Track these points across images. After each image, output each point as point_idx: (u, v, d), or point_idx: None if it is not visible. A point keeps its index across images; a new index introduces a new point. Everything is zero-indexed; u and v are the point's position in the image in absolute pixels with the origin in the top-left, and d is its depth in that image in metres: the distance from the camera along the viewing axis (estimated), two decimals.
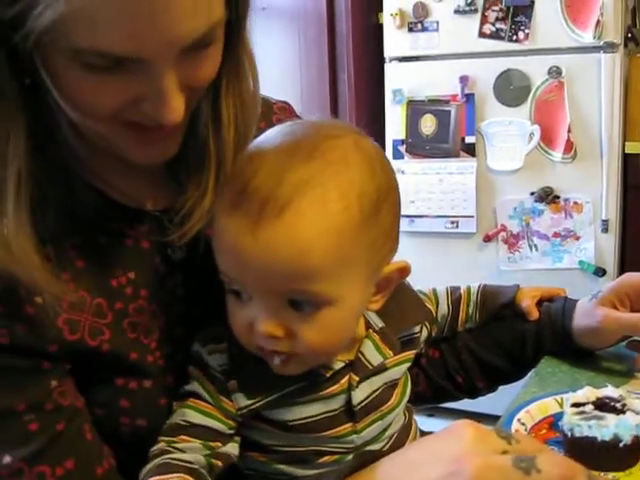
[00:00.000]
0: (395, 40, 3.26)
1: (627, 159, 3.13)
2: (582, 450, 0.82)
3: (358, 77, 3.48)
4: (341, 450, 0.89)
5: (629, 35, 3.17)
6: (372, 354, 0.91)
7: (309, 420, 0.87)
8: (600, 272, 3.05)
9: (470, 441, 0.71)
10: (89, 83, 0.72)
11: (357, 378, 0.88)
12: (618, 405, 0.85)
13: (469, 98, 3.15)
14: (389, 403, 0.93)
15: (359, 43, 3.47)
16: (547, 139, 3.05)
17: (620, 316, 1.08)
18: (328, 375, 0.87)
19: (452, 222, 3.23)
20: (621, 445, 0.81)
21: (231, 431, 0.87)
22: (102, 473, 0.83)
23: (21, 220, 0.73)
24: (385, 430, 0.93)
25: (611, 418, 0.82)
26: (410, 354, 0.98)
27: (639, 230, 3.17)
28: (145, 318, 0.88)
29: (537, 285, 1.20)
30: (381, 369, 0.92)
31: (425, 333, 1.04)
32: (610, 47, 2.93)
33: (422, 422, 1.03)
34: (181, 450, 0.82)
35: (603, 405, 0.86)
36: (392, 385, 0.95)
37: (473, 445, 0.71)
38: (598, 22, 2.89)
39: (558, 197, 3.07)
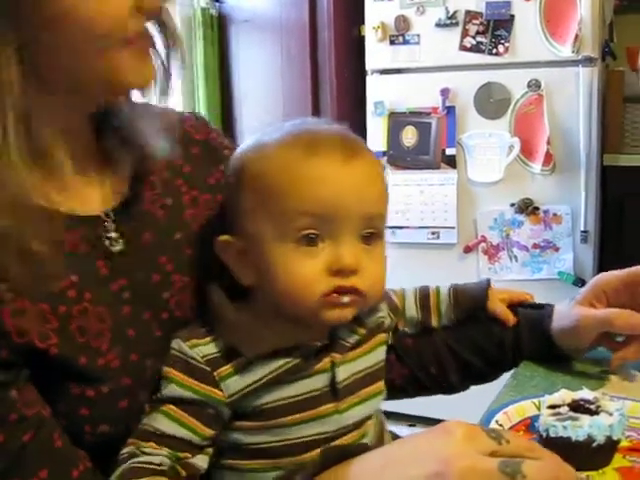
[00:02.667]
0: (377, 53, 3.29)
1: (605, 171, 3.18)
2: (557, 450, 0.83)
3: (340, 89, 3.50)
4: (324, 436, 0.90)
5: (606, 49, 3.22)
6: (346, 334, 0.95)
7: (295, 399, 0.89)
8: (579, 283, 3.07)
9: (459, 441, 0.71)
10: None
11: (339, 356, 0.93)
12: (592, 407, 0.87)
13: (450, 110, 3.18)
14: (371, 388, 0.96)
15: (341, 55, 3.49)
16: (527, 151, 3.09)
17: (596, 312, 1.10)
18: (314, 348, 0.91)
19: (433, 233, 3.25)
20: (594, 445, 0.82)
21: (204, 442, 0.87)
22: (78, 476, 0.82)
23: None
24: (365, 420, 0.95)
25: (585, 419, 0.84)
26: (381, 338, 1.02)
27: (618, 241, 3.20)
28: (92, 321, 0.86)
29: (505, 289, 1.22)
30: (360, 354, 0.96)
31: (389, 320, 1.07)
32: (588, 61, 2.97)
33: (404, 432, 1.04)
34: (148, 454, 0.83)
35: (578, 407, 0.88)
36: (373, 373, 0.98)
37: (461, 445, 0.70)
38: (576, 36, 2.93)
39: (538, 208, 3.10)
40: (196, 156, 1.06)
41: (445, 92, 3.16)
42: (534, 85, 3.04)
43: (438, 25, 3.16)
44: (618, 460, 0.86)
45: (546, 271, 3.14)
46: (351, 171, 0.87)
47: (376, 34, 3.26)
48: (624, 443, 0.89)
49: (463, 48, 3.14)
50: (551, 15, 3.00)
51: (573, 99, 3.00)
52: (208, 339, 0.89)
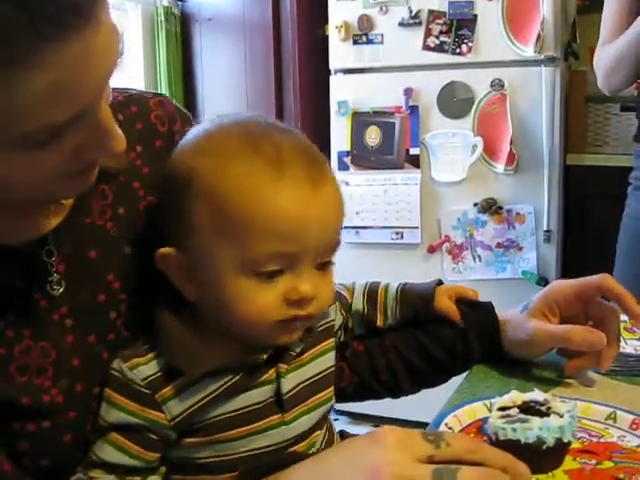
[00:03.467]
0: (340, 52, 3.28)
1: (568, 170, 3.19)
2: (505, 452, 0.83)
3: (303, 89, 3.49)
4: (270, 449, 0.89)
5: (569, 49, 3.24)
6: (294, 344, 0.92)
7: (239, 412, 0.87)
8: (543, 282, 3.08)
9: (391, 449, 0.69)
10: (28, 161, 0.68)
11: (285, 367, 0.91)
12: (543, 408, 0.86)
13: (413, 110, 3.18)
14: (319, 395, 0.95)
15: (305, 55, 3.48)
16: (490, 151, 3.09)
17: (552, 329, 1.07)
18: (260, 363, 0.89)
19: (397, 233, 3.25)
20: (544, 447, 0.81)
21: (152, 464, 0.86)
22: None
23: None
24: (313, 430, 0.94)
25: (535, 421, 0.83)
26: (329, 342, 1.00)
27: (581, 240, 3.22)
28: (34, 358, 0.82)
29: (455, 286, 1.20)
30: (305, 361, 0.94)
31: (340, 319, 1.06)
32: (551, 61, 2.99)
33: None
34: (97, 478, 0.83)
35: (528, 409, 0.86)
36: (321, 380, 0.96)
37: (392, 453, 0.68)
38: (539, 36, 2.94)
39: (501, 208, 3.11)
40: (158, 152, 0.97)
41: (408, 92, 3.15)
42: (497, 85, 3.05)
43: (401, 24, 3.15)
44: (568, 462, 0.85)
45: (510, 270, 3.14)
46: (318, 202, 0.83)
47: (339, 33, 3.25)
48: (575, 445, 0.88)
49: (426, 48, 3.14)
50: (514, 15, 3.00)
51: (536, 99, 3.01)
52: (149, 356, 0.86)
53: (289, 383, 0.91)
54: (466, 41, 3.08)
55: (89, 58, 0.63)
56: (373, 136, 3.24)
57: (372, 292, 1.15)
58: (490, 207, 3.11)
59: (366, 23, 3.20)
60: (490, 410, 0.92)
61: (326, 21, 3.32)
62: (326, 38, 3.33)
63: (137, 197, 0.95)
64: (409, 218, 3.22)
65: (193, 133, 0.90)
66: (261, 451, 0.88)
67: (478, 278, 3.16)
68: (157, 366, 0.85)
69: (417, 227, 3.22)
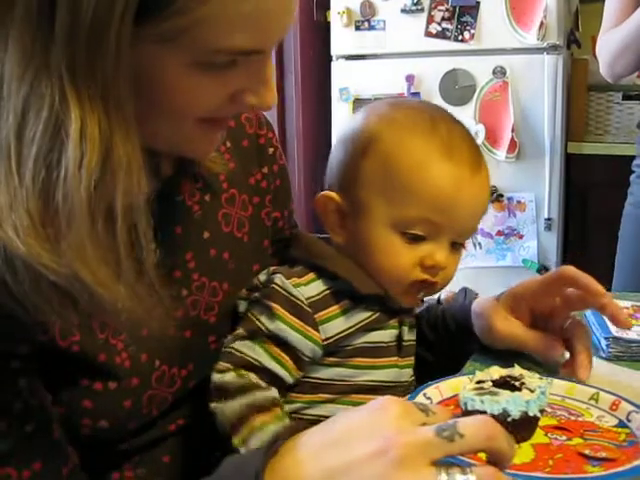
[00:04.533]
0: (342, 38, 3.27)
1: (570, 159, 3.19)
2: None
3: (305, 75, 3.48)
4: (383, 385, 0.98)
5: (572, 38, 3.23)
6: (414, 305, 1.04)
7: (371, 345, 0.97)
8: (543, 270, 3.08)
9: (395, 417, 0.69)
10: (197, 82, 0.73)
11: (406, 317, 1.02)
12: (516, 383, 0.87)
13: (415, 97, 3.16)
14: (413, 358, 1.05)
15: (306, 41, 3.47)
16: (491, 138, 3.09)
17: (511, 332, 1.06)
18: (397, 308, 0.99)
19: None
20: (509, 419, 0.82)
21: (292, 382, 0.93)
22: (67, 473, 0.79)
23: None
24: (409, 386, 1.03)
25: (504, 394, 0.83)
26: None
27: (581, 228, 3.22)
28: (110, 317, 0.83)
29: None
30: (415, 325, 1.06)
31: None
32: (553, 49, 2.98)
33: None
34: (264, 389, 0.89)
35: (503, 383, 0.87)
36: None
37: (398, 421, 0.69)
38: (542, 24, 2.94)
39: (502, 196, 3.11)
40: (244, 151, 1.04)
41: (410, 78, 3.15)
42: (499, 72, 3.04)
43: (404, 11, 3.15)
44: (539, 437, 0.85)
45: (510, 258, 3.15)
46: (472, 186, 0.93)
47: (341, 19, 3.24)
48: (552, 421, 0.89)
49: (429, 34, 3.13)
50: (516, 2, 3.00)
51: (538, 87, 3.00)
52: (308, 277, 0.95)
53: (407, 335, 1.01)
54: (468, 28, 3.07)
55: (282, 5, 0.73)
56: None
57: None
58: (491, 195, 3.10)
59: (368, 9, 3.19)
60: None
61: (328, 7, 3.32)
62: (328, 24, 3.32)
63: (221, 188, 1.00)
64: None
65: (383, 103, 1.02)
66: (374, 384, 0.97)
67: (478, 266, 3.16)
68: (316, 289, 0.94)
69: None
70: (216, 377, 0.88)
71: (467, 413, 0.84)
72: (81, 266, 0.71)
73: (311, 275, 0.95)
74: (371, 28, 3.22)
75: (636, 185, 2.05)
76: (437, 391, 0.94)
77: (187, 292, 0.93)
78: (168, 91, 0.74)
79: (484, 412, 0.83)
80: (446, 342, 1.14)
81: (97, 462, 0.84)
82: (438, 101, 3.12)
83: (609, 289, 1.97)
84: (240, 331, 0.92)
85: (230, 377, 0.88)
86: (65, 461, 0.80)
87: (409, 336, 1.02)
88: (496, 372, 0.89)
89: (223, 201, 1.00)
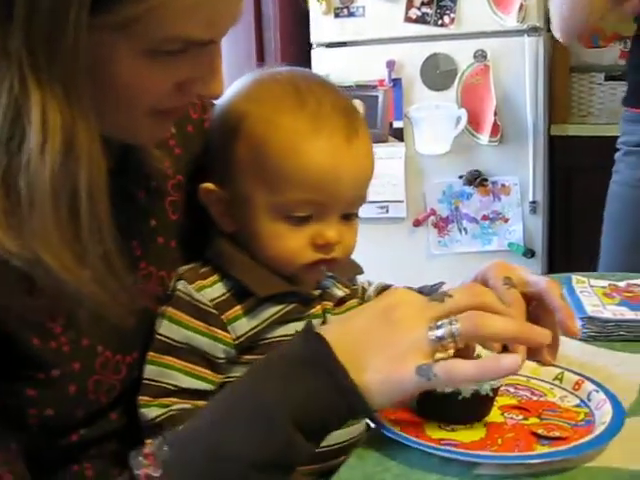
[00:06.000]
0: (321, 26, 3.24)
1: (553, 141, 3.18)
2: (425, 402, 0.84)
3: (285, 63, 3.45)
4: None
5: None
6: (334, 290, 1.01)
7: (290, 338, 0.92)
8: (529, 253, 3.08)
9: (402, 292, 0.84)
10: (148, 69, 0.75)
11: (330, 304, 1.00)
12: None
13: (396, 83, 3.15)
14: None
15: (286, 29, 3.44)
16: (474, 122, 3.07)
17: None
18: (312, 296, 0.97)
19: (382, 207, 3.23)
20: (460, 398, 0.82)
21: (215, 387, 0.91)
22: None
23: None
24: None
25: None
26: (354, 302, 1.06)
27: (567, 211, 3.22)
28: (49, 299, 0.81)
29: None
30: (344, 309, 1.02)
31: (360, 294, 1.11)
32: (534, 30, 2.97)
33: None
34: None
35: None
36: None
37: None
38: (521, 6, 2.92)
39: (486, 180, 3.10)
40: (189, 137, 1.04)
41: (391, 64, 3.13)
42: (480, 56, 3.02)
43: None
44: (495, 416, 0.86)
45: (496, 243, 3.14)
46: (350, 157, 0.92)
47: (321, 7, 3.21)
48: (512, 401, 0.90)
49: (408, 20, 3.11)
50: None
51: (519, 69, 2.99)
52: (213, 279, 0.92)
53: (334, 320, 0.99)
54: (448, 12, 3.05)
55: None
56: None
57: (383, 290, 1.17)
58: (475, 179, 3.09)
59: None
60: None
61: None
62: (307, 12, 3.29)
63: (167, 175, 0.99)
64: (394, 192, 3.20)
65: (249, 80, 0.97)
66: None
67: (464, 251, 3.15)
68: (222, 289, 0.92)
69: (402, 201, 3.21)
70: (143, 413, 0.87)
71: (420, 393, 0.83)
72: (45, 251, 0.72)
73: (216, 276, 0.93)
74: (350, 15, 3.19)
75: (622, 163, 2.03)
76: None
77: (132, 284, 0.91)
78: (120, 79, 0.75)
79: (434, 391, 0.82)
80: None
81: (52, 454, 0.83)
82: (419, 87, 3.12)
83: (595, 270, 1.96)
84: (151, 353, 0.90)
85: (156, 412, 0.87)
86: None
87: None
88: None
89: (169, 188, 0.99)
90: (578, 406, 0.89)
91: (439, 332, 0.77)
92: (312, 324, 0.84)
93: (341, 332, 0.81)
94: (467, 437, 0.81)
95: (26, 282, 0.77)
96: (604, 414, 0.83)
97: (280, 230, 0.92)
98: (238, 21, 0.78)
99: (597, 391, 0.89)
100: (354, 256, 1.14)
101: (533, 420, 0.86)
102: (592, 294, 1.29)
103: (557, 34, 1.99)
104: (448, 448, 0.78)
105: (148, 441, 0.81)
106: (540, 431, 0.82)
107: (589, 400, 0.89)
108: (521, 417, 0.86)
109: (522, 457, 0.76)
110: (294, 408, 0.76)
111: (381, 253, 3.20)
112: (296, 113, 0.91)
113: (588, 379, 0.93)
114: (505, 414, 0.87)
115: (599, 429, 0.79)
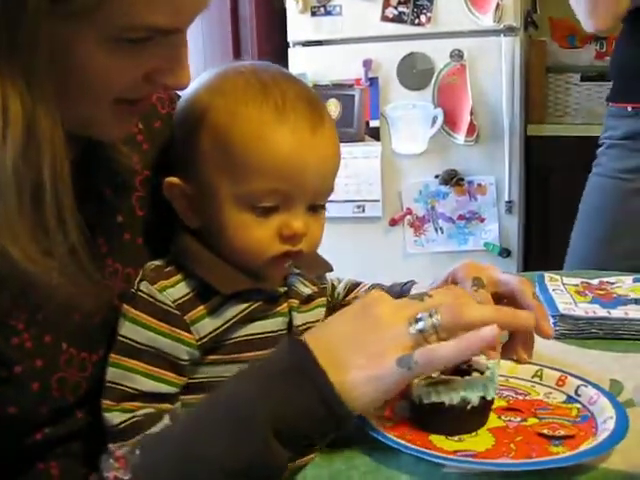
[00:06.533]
0: (298, 24, 3.23)
1: (529, 141, 3.19)
2: (431, 416, 0.82)
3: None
4: None
5: (529, 19, 3.22)
6: (301, 287, 1.00)
7: (257, 336, 0.94)
8: (505, 253, 3.09)
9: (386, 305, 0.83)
10: (112, 58, 0.74)
11: (296, 302, 0.98)
12: (464, 366, 0.85)
13: (373, 82, 3.15)
14: None
15: (263, 27, 3.43)
16: (450, 122, 3.07)
17: None
18: (276, 294, 0.96)
19: (358, 206, 3.22)
20: (469, 408, 0.80)
21: (178, 389, 0.90)
22: None
23: None
24: None
25: (458, 381, 0.81)
26: (323, 300, 1.06)
27: (543, 210, 3.23)
28: (12, 295, 0.81)
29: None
30: (312, 307, 1.02)
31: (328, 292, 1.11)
32: (510, 30, 2.97)
33: None
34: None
35: (451, 368, 0.85)
36: None
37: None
38: (498, 6, 2.92)
39: (462, 179, 3.09)
40: (157, 132, 1.03)
41: (368, 63, 3.12)
42: (457, 55, 3.02)
43: None
44: (493, 420, 0.85)
45: (472, 242, 3.14)
46: (315, 146, 0.91)
47: (297, 5, 3.20)
48: (501, 403, 0.88)
49: (385, 19, 3.10)
50: None
51: (496, 69, 2.99)
52: (175, 279, 0.91)
53: (299, 320, 0.98)
54: (425, 11, 3.05)
55: None
56: (333, 109, 3.19)
57: (353, 286, 1.18)
58: (451, 179, 3.09)
59: None
60: None
61: None
62: (284, 10, 3.28)
63: (134, 171, 0.98)
64: (370, 191, 3.20)
65: (212, 73, 0.96)
66: None
67: (440, 250, 3.16)
68: (185, 289, 0.90)
69: (378, 200, 3.20)
70: (107, 418, 0.86)
71: (422, 407, 0.81)
72: (10, 242, 0.71)
73: (179, 276, 0.91)
74: (327, 13, 3.18)
75: (604, 156, 2.04)
76: None
77: (100, 278, 0.90)
78: (83, 68, 0.74)
79: (442, 403, 0.80)
80: None
81: (17, 453, 0.83)
82: (396, 86, 3.12)
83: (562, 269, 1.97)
84: (113, 355, 0.89)
85: (119, 418, 0.86)
86: None
87: (304, 320, 0.99)
88: None
89: (137, 184, 0.99)
90: (567, 402, 0.89)
91: (419, 325, 0.78)
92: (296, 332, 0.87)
93: (321, 334, 0.82)
94: (479, 445, 0.80)
95: None
96: (604, 409, 0.83)
97: (246, 221, 0.91)
98: (204, 9, 0.78)
99: (585, 386, 0.89)
100: (329, 255, 1.13)
101: (532, 420, 0.85)
102: (564, 292, 1.30)
103: (586, 25, 1.97)
104: (468, 459, 0.76)
105: (117, 444, 0.81)
106: (545, 431, 0.81)
107: (578, 395, 0.89)
108: (519, 419, 0.85)
109: (554, 461, 0.74)
110: (270, 410, 0.75)
111: (357, 252, 3.20)
112: (260, 104, 0.90)
113: (570, 374, 0.92)
114: (502, 417, 0.86)
115: (608, 425, 0.79)
